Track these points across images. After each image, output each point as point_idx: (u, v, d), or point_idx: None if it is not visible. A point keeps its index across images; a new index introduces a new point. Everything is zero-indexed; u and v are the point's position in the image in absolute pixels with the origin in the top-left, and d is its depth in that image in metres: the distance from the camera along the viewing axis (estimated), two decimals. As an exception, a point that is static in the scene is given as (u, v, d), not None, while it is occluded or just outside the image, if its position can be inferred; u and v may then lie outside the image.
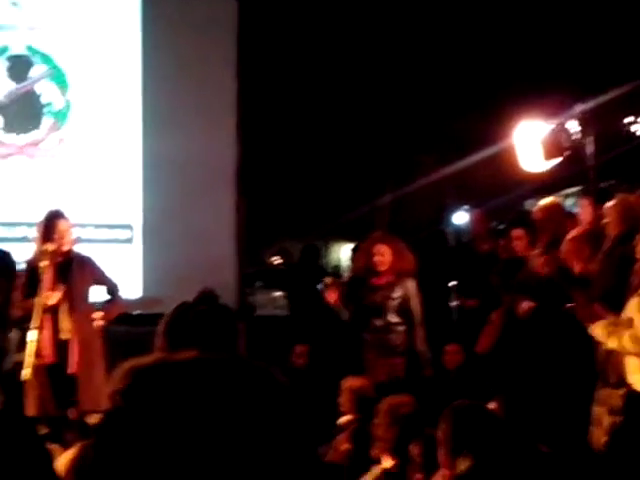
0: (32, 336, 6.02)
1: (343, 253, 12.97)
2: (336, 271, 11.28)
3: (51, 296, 6.20)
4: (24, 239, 8.39)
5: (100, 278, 6.57)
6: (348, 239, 9.27)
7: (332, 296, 6.74)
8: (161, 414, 2.35)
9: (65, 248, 6.39)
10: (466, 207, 10.61)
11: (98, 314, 6.46)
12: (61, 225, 6.39)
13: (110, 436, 2.39)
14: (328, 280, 7.00)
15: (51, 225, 6.35)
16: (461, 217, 10.70)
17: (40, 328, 6.08)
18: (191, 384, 2.41)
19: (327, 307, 6.89)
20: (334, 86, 9.19)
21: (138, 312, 8.13)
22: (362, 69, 9.22)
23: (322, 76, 9.14)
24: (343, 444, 5.40)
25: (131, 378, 2.41)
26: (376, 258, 6.70)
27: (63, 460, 3.48)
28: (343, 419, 5.75)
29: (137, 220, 8.85)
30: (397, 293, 6.66)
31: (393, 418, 4.60)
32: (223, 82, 9.00)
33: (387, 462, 4.60)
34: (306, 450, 2.52)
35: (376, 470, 4.69)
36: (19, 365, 6.08)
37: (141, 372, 2.43)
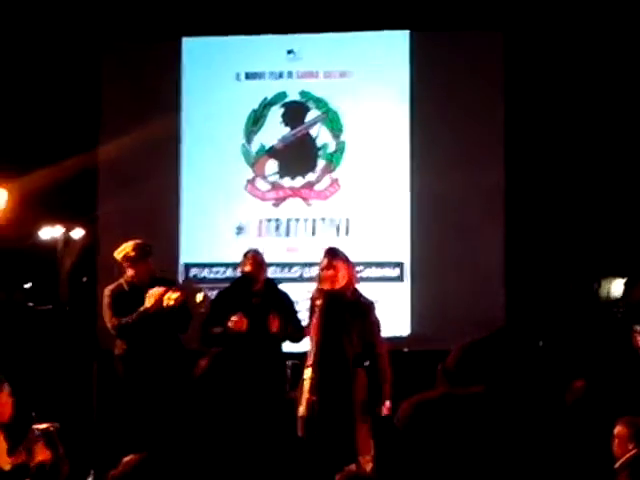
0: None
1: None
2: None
3: None
4: (299, 279, 8.77)
5: None
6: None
7: None
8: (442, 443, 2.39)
9: None
10: None
11: None
12: None
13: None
14: None
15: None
16: None
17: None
18: (474, 417, 2.43)
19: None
20: (594, 113, 8.86)
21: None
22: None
23: (592, 107, 8.83)
24: None
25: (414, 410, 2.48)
26: None
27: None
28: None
29: (406, 258, 8.94)
30: None
31: None
32: (491, 118, 8.94)
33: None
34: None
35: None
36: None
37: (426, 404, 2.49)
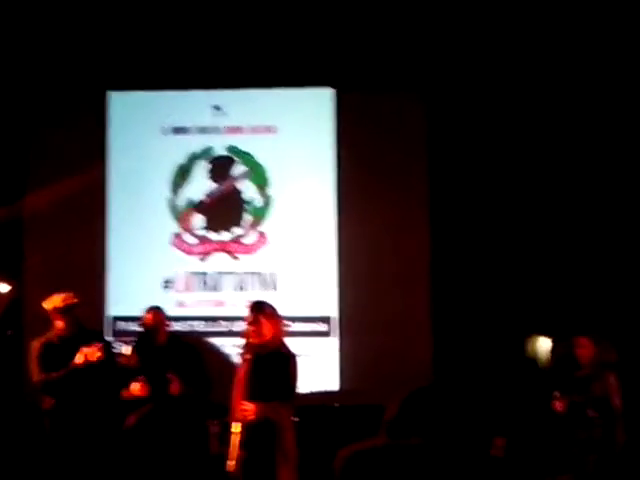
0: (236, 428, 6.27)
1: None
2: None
3: None
4: (227, 333, 8.80)
5: None
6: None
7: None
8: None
9: None
10: None
11: None
12: None
13: None
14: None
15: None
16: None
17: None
18: (410, 467, 2.50)
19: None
20: (525, 187, 9.10)
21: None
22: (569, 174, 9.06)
23: (516, 165, 9.07)
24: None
25: (353, 459, 2.53)
26: None
27: None
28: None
29: (334, 312, 9.02)
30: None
31: None
32: (416, 179, 9.12)
33: None
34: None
35: None
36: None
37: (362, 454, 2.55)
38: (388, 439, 2.75)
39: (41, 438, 6.90)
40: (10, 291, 12.96)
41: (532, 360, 8.69)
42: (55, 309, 6.85)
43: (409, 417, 2.78)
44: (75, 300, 6.90)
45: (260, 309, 6.63)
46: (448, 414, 2.83)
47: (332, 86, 9.28)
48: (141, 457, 6.79)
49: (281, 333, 6.67)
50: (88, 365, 6.68)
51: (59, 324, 6.87)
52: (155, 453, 6.80)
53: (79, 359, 6.69)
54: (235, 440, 6.39)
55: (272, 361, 6.44)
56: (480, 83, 9.03)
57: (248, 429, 6.35)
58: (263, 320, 6.55)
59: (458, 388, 3.02)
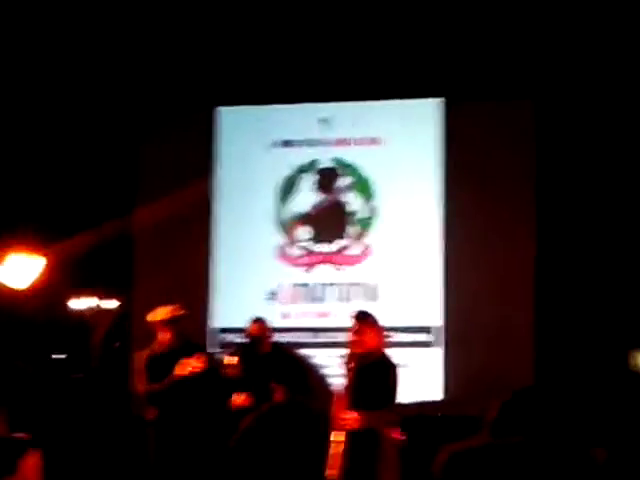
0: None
1: None
2: None
3: None
4: (331, 344, 8.77)
5: None
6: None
7: None
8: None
9: None
10: None
11: None
12: None
13: None
14: None
15: None
16: None
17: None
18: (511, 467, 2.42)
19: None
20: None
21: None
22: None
23: (627, 175, 8.80)
24: None
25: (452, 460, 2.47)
26: None
27: None
28: None
29: (437, 322, 8.90)
30: None
31: None
32: (524, 189, 8.95)
33: None
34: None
35: None
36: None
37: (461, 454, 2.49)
38: (489, 438, 2.66)
39: (145, 449, 6.94)
40: (119, 307, 13.30)
41: (635, 374, 8.40)
42: (162, 321, 6.90)
43: (511, 417, 2.69)
44: (182, 312, 6.94)
45: (364, 319, 6.59)
46: (550, 415, 2.73)
47: (439, 96, 9.19)
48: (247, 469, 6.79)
49: (383, 343, 6.60)
50: (191, 376, 6.71)
51: (165, 336, 6.90)
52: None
53: (182, 370, 6.72)
54: (337, 449, 6.34)
55: (374, 371, 6.38)
56: (590, 90, 8.81)
57: (350, 438, 6.28)
58: (367, 330, 6.50)
59: (561, 391, 2.91)
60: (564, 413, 2.78)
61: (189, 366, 6.69)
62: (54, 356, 11.66)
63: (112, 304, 15.39)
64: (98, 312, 15.63)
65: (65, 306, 14.86)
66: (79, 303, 15.69)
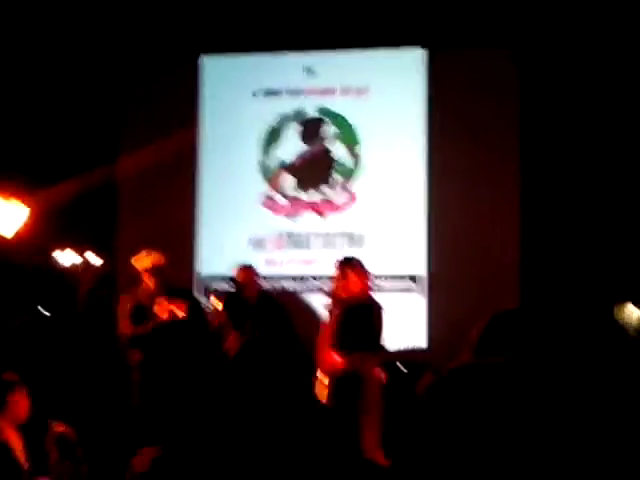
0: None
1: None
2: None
3: None
4: (316, 291, 8.83)
5: None
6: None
7: None
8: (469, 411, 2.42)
9: None
10: None
11: None
12: None
13: None
14: None
15: None
16: None
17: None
18: (497, 386, 2.46)
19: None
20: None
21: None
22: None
23: (610, 120, 8.83)
24: None
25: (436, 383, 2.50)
26: None
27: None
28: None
29: (422, 270, 8.97)
30: None
31: None
32: (507, 134, 8.97)
33: None
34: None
35: None
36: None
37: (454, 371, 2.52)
38: (472, 359, 2.69)
39: (129, 393, 7.00)
40: (104, 260, 13.25)
41: (620, 327, 8.47)
42: (145, 267, 6.94)
43: (494, 337, 2.73)
44: (163, 262, 6.96)
45: (348, 264, 6.64)
46: (533, 336, 2.77)
47: (423, 45, 9.17)
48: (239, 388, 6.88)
49: (368, 287, 6.66)
50: (174, 320, 6.75)
51: (148, 282, 6.95)
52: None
53: (161, 312, 6.77)
54: (322, 391, 6.42)
55: (359, 313, 6.44)
56: (572, 39, 8.80)
57: (335, 381, 6.36)
58: (351, 275, 6.56)
59: (544, 315, 2.94)
60: (546, 335, 2.81)
61: (168, 309, 6.74)
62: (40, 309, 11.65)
63: (97, 258, 15.39)
64: (83, 266, 15.64)
65: (50, 258, 14.84)
66: (64, 256, 15.69)
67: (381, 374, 6.49)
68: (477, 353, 2.72)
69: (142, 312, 6.84)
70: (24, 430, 4.98)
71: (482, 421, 2.46)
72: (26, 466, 4.85)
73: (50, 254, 14.30)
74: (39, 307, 11.28)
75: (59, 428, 5.03)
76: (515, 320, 2.77)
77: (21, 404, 4.98)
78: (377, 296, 6.74)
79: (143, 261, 6.94)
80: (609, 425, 2.52)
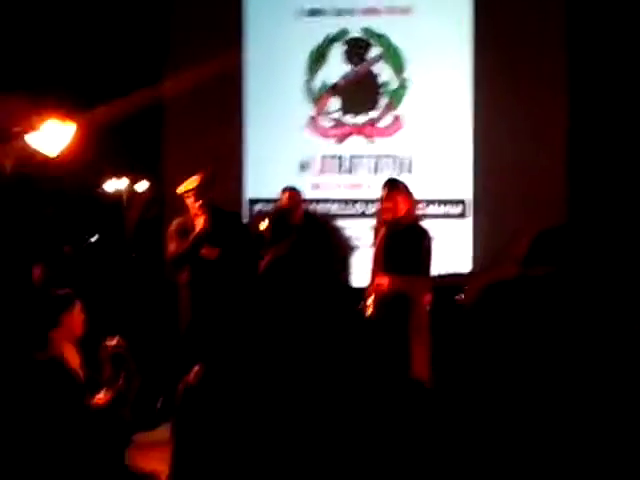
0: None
1: None
2: None
3: None
4: (362, 215, 8.85)
5: None
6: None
7: None
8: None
9: None
10: None
11: None
12: None
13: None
14: None
15: None
16: None
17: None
18: (547, 297, 2.46)
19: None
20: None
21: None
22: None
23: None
24: None
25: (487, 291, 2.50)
26: None
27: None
28: None
29: (468, 195, 8.92)
30: None
31: None
32: (555, 56, 8.82)
33: None
34: None
35: None
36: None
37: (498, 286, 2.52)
38: (519, 270, 2.69)
39: (177, 311, 7.09)
40: (148, 189, 13.35)
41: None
42: (189, 190, 6.94)
43: (542, 251, 2.72)
44: (206, 180, 6.93)
45: (394, 186, 6.62)
46: (581, 250, 2.75)
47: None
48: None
49: (414, 210, 6.65)
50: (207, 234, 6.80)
51: (194, 205, 6.95)
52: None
53: (198, 227, 6.83)
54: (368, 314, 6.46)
55: (406, 236, 6.44)
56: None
57: (381, 302, 6.39)
58: (397, 197, 6.55)
59: (592, 230, 2.92)
60: (595, 249, 2.80)
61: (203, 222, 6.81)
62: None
63: (143, 185, 15.52)
64: (128, 192, 15.81)
65: (99, 186, 14.99)
66: (111, 184, 15.86)
67: (429, 298, 6.51)
68: (525, 266, 2.72)
69: (188, 235, 6.89)
70: (80, 344, 5.08)
71: (531, 333, 2.47)
72: (83, 381, 4.96)
73: (99, 182, 14.43)
74: (86, 235, 11.45)
75: (112, 342, 5.12)
76: (562, 235, 2.75)
77: (76, 319, 5.07)
78: (424, 221, 6.74)
79: (188, 183, 6.95)
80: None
